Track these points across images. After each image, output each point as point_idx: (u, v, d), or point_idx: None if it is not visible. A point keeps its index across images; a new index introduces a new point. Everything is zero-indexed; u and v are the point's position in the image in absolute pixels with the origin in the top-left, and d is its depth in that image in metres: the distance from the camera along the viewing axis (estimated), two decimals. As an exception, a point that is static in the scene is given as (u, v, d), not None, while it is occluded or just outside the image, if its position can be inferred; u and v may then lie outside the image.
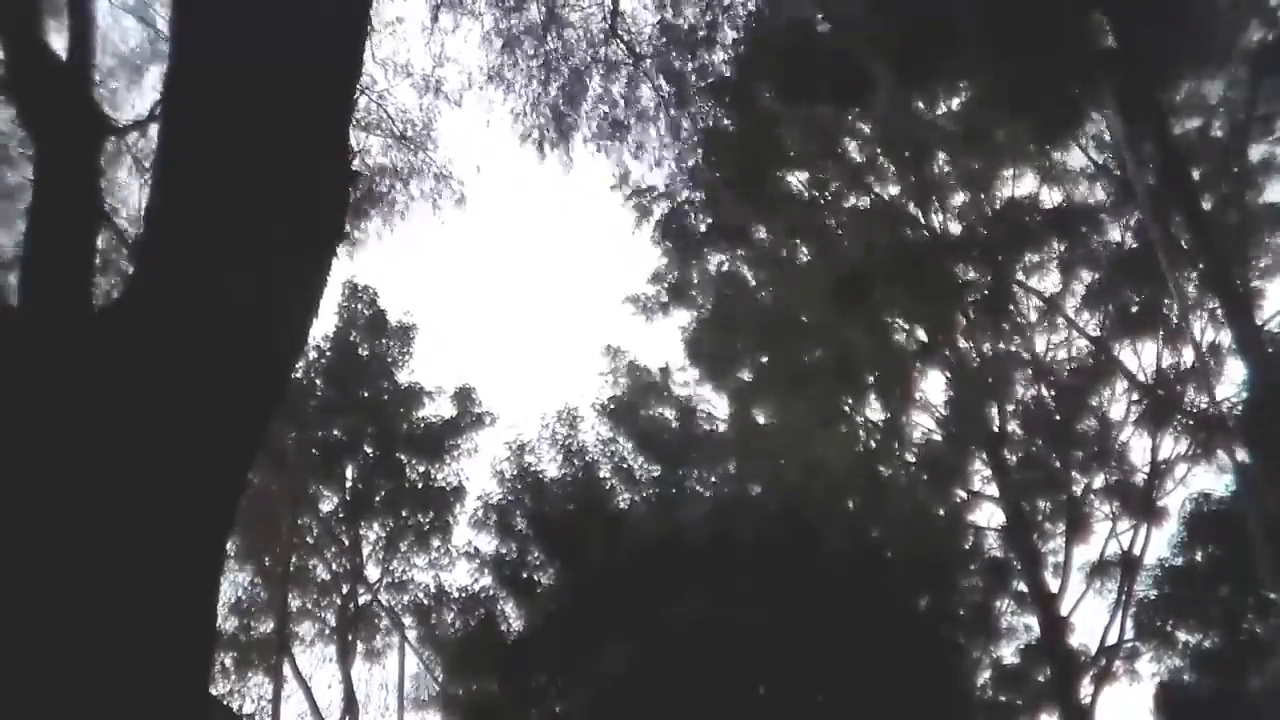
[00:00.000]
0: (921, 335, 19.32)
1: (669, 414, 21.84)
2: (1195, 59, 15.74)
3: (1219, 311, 16.70)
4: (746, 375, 20.86)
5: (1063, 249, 18.68)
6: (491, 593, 20.25)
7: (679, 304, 21.22)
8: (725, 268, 20.86)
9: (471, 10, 12.80)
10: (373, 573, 24.10)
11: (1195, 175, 16.15)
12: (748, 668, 14.41)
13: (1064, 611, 17.86)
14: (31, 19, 4.19)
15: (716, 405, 21.74)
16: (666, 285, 21.21)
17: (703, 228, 19.67)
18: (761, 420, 20.87)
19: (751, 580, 14.52)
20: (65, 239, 3.91)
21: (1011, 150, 17.66)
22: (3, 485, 3.34)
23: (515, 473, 20.62)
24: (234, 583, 22.52)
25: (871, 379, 19.51)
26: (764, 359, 20.29)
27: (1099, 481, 18.77)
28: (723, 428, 21.41)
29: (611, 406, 21.63)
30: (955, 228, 19.24)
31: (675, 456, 20.77)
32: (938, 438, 19.48)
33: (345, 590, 24.11)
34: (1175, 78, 16.10)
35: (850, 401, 19.61)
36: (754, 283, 20.76)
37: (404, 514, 24.04)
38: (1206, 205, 16.34)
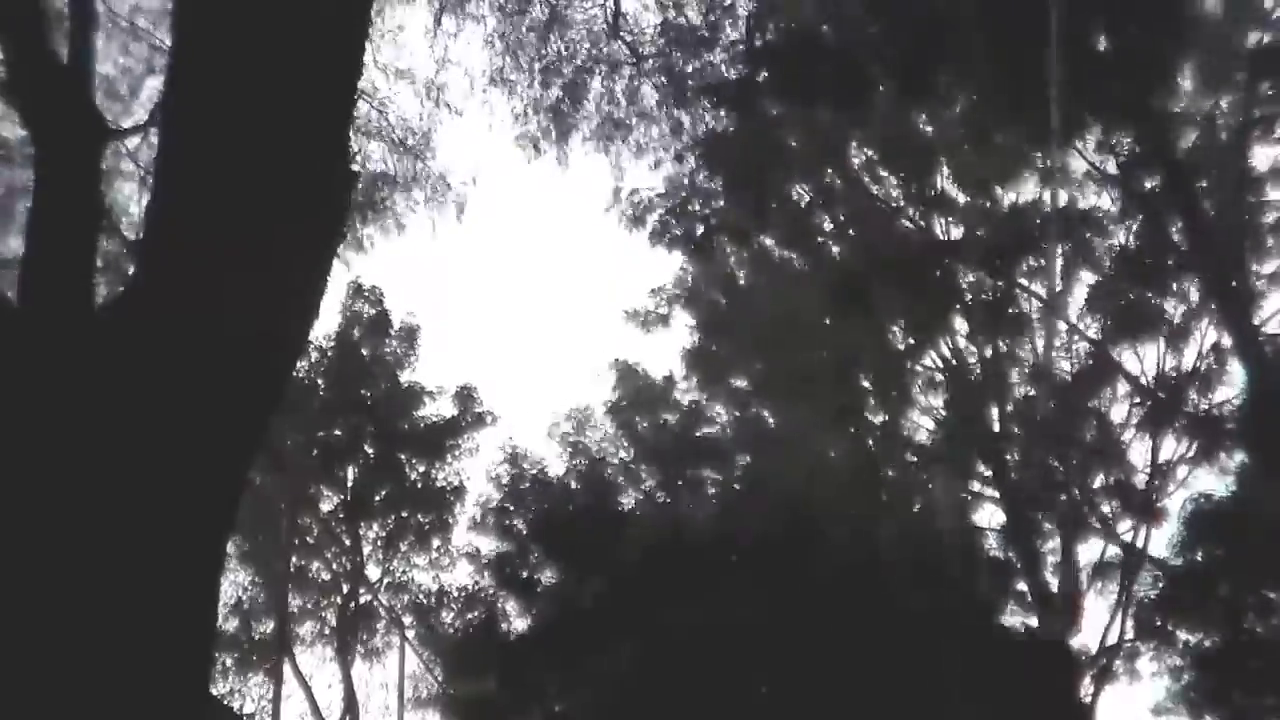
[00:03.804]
0: (922, 337, 19.33)
1: (672, 419, 21.83)
2: (1196, 63, 15.75)
3: (1219, 315, 16.70)
4: (746, 382, 20.89)
5: (1064, 252, 18.67)
6: (491, 593, 20.27)
7: (681, 307, 21.26)
8: (725, 271, 20.87)
9: (474, 14, 12.86)
10: (373, 573, 24.12)
11: (1196, 179, 16.17)
12: (749, 668, 14.42)
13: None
14: (34, 22, 4.21)
15: (719, 410, 21.76)
16: (665, 297, 21.28)
17: (701, 230, 19.65)
18: (763, 424, 20.87)
19: (752, 581, 14.53)
20: (65, 240, 3.92)
21: (1012, 154, 17.63)
22: (3, 485, 3.35)
23: (510, 478, 20.69)
24: (234, 583, 22.54)
25: (871, 382, 19.52)
26: (763, 363, 20.29)
27: (1099, 482, 18.79)
28: (726, 431, 21.41)
29: (619, 404, 21.57)
30: (957, 231, 19.25)
31: (678, 459, 20.74)
32: (939, 439, 19.49)
33: (345, 590, 24.11)
34: (1174, 82, 16.09)
35: (851, 404, 19.60)
36: (753, 286, 20.76)
37: (404, 514, 24.04)
38: (1208, 209, 16.35)
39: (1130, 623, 17.71)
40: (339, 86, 4.08)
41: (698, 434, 21.53)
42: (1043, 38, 13.21)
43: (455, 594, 22.26)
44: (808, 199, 19.30)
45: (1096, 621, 18.05)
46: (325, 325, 23.00)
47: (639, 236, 19.81)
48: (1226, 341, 17.33)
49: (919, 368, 19.63)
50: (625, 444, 21.35)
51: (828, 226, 19.59)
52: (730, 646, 13.94)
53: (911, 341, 19.33)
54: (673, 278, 21.31)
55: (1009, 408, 19.22)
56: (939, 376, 19.80)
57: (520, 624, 19.03)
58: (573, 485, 20.05)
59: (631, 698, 14.37)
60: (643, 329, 21.46)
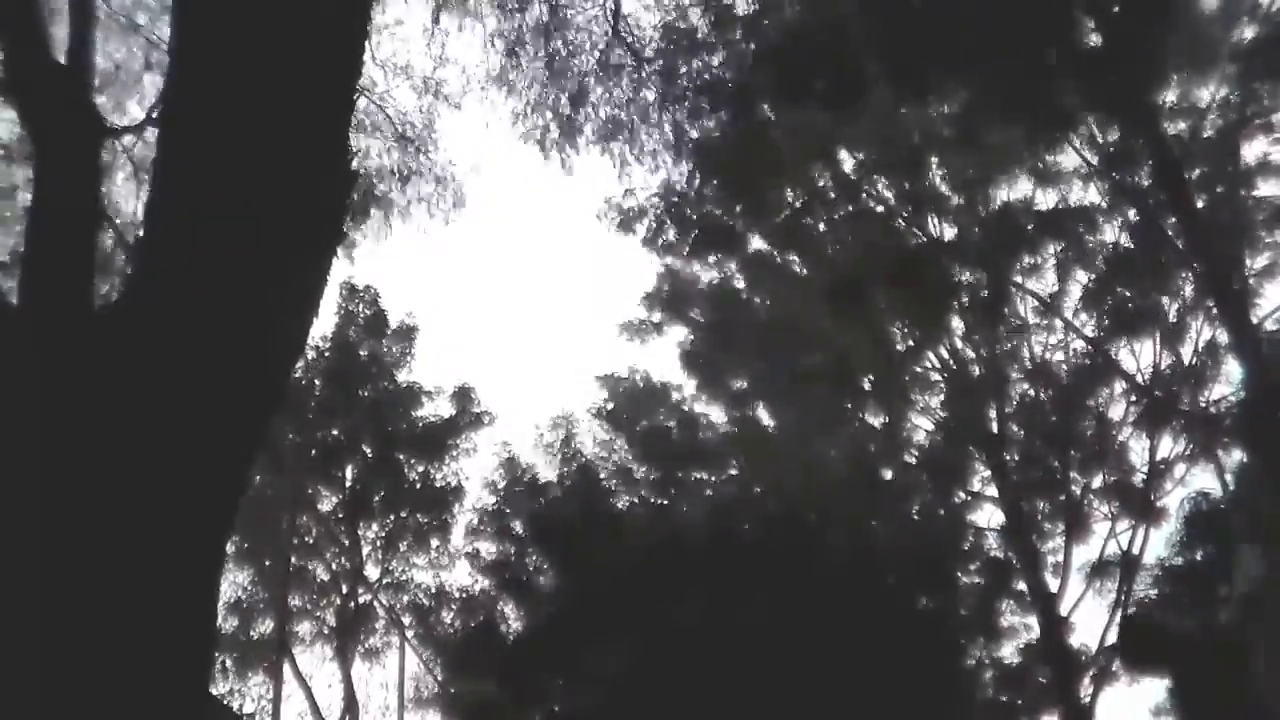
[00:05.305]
0: (918, 338, 19.32)
1: (669, 422, 21.81)
2: (1186, 58, 15.73)
3: (1215, 311, 16.70)
4: (744, 382, 20.87)
5: (1059, 250, 18.68)
6: (491, 593, 20.26)
7: (673, 319, 21.23)
8: (719, 273, 20.84)
9: (474, 12, 12.84)
10: (372, 573, 24.10)
11: (1189, 175, 16.16)
12: (748, 669, 14.41)
13: (1064, 611, 17.87)
14: (32, 20, 4.20)
15: (716, 411, 21.76)
16: (660, 300, 21.23)
17: (696, 232, 19.61)
18: (761, 424, 20.86)
19: (751, 581, 14.53)
20: (65, 239, 3.92)
21: (1006, 153, 17.62)
22: (3, 485, 3.35)
23: (507, 482, 20.71)
24: (234, 583, 22.53)
25: (869, 383, 19.51)
26: (762, 364, 20.27)
27: (1098, 481, 18.80)
28: (723, 432, 21.39)
29: (609, 410, 21.63)
30: (951, 231, 19.25)
31: (675, 460, 20.74)
32: (937, 439, 19.49)
33: (345, 590, 24.10)
34: (1167, 78, 16.08)
35: (849, 405, 19.59)
36: (748, 288, 20.74)
37: (403, 514, 24.03)
38: (1201, 205, 16.34)
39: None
40: (339, 86, 4.07)
41: (695, 436, 21.49)
42: (1035, 33, 13.20)
43: (455, 594, 22.28)
44: (803, 199, 19.25)
45: (1096, 621, 18.10)
46: (322, 325, 22.97)
47: (631, 240, 19.81)
48: (1222, 338, 17.36)
49: (917, 369, 19.63)
50: (620, 446, 21.32)
51: (823, 227, 19.54)
52: (729, 647, 13.94)
53: (910, 343, 19.31)
54: (667, 284, 21.23)
55: (1007, 408, 19.23)
56: (936, 377, 19.81)
57: (520, 624, 19.03)
58: (566, 487, 20.01)
59: (631, 698, 14.36)
60: (638, 340, 21.47)
